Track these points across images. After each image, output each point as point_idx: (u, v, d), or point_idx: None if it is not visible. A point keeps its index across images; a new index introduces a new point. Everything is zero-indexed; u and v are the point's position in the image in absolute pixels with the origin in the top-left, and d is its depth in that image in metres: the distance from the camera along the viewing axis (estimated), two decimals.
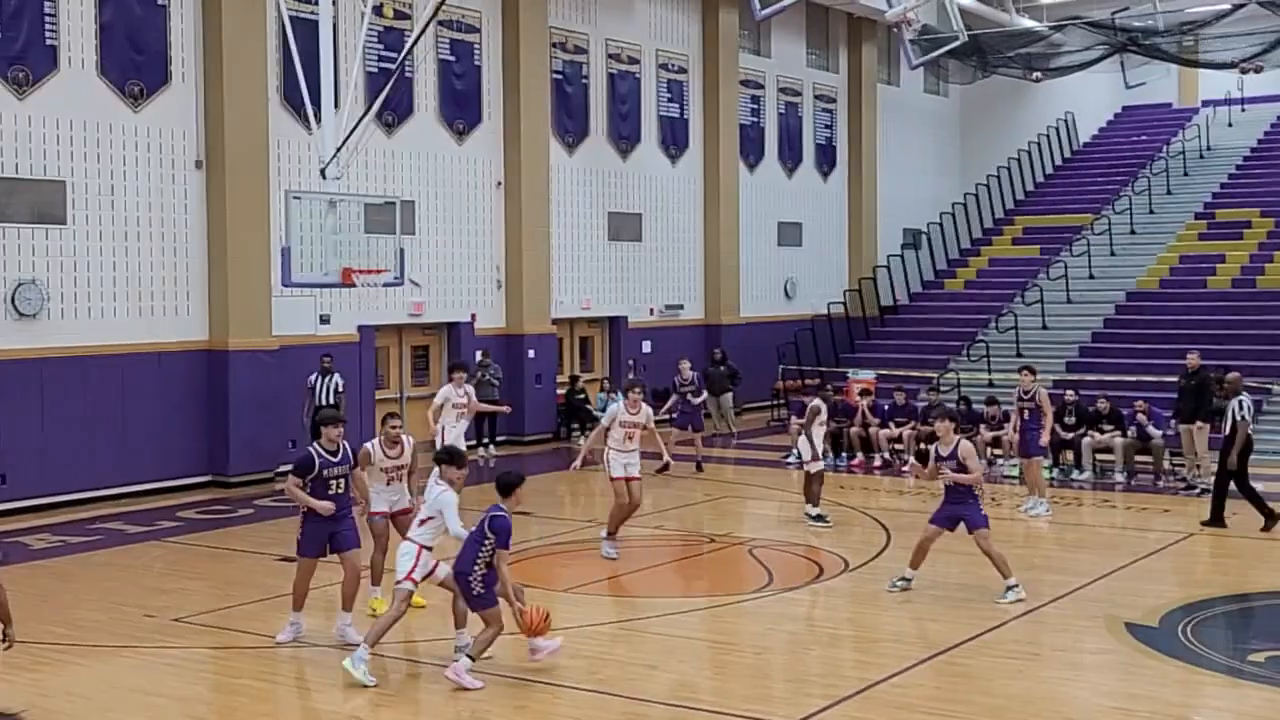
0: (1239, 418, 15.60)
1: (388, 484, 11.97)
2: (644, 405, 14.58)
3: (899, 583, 12.63)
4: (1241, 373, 17.44)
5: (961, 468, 12.38)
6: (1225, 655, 10.57)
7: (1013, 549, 15.03)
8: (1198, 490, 18.28)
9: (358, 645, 10.37)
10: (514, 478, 10.17)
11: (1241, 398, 15.88)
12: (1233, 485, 15.80)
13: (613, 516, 14.33)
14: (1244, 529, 15.86)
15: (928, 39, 28.69)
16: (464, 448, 15.63)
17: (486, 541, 9.86)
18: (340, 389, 19.44)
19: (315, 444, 11.06)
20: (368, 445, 12.12)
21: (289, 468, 11.81)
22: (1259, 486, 16.18)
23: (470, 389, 17.36)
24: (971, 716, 9.05)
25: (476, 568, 9.87)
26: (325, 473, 10.83)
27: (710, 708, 9.29)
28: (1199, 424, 18.61)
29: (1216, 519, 15.85)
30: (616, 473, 14.25)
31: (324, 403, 19.06)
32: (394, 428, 12.08)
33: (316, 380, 19.44)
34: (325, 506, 10.76)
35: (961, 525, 12.46)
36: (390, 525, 12.02)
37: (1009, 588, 12.22)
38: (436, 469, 10.73)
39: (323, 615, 11.46)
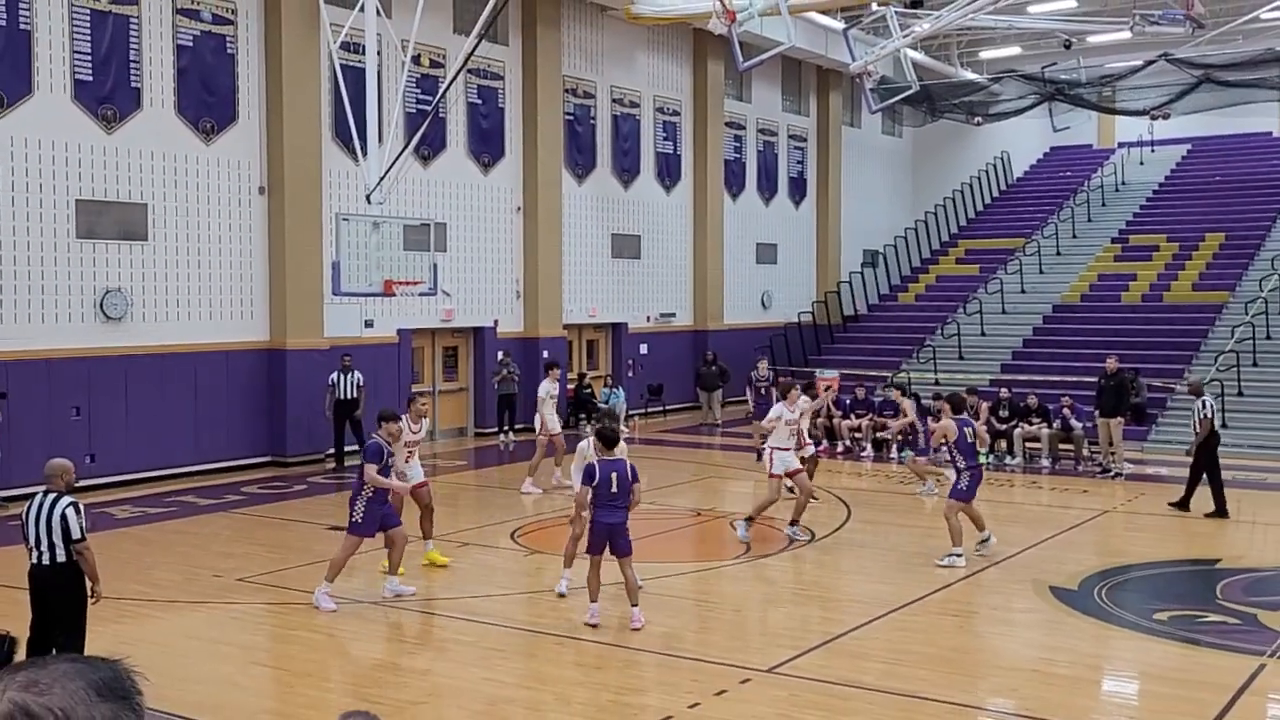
0: (1204, 415, 15.06)
1: (407, 460, 11.98)
2: (800, 402, 13.79)
3: (980, 547, 12.69)
4: (1149, 374, 17.44)
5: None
6: (1134, 614, 10.59)
7: None
8: (1111, 474, 18.30)
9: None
10: (615, 432, 10.38)
11: (1205, 398, 15.38)
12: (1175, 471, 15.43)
13: (761, 506, 13.45)
14: (1153, 507, 15.89)
15: (885, 88, 28.66)
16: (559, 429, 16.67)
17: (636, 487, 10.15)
18: (360, 384, 19.18)
19: (377, 435, 10.99)
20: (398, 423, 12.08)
21: (355, 456, 11.79)
22: (1164, 472, 16.19)
23: (557, 384, 17.48)
24: (918, 665, 9.06)
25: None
26: (389, 460, 10.89)
27: (695, 656, 9.30)
28: (1118, 419, 18.58)
29: (1220, 509, 15.03)
30: (778, 470, 13.31)
31: (345, 397, 19.01)
32: (423, 404, 12.22)
33: (338, 377, 19.16)
34: (403, 486, 10.78)
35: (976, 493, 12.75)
36: (414, 499, 12.08)
37: (949, 554, 12.24)
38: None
39: (363, 577, 11.48)
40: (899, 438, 20.14)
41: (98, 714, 1.61)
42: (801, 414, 13.85)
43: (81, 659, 1.69)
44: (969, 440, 12.71)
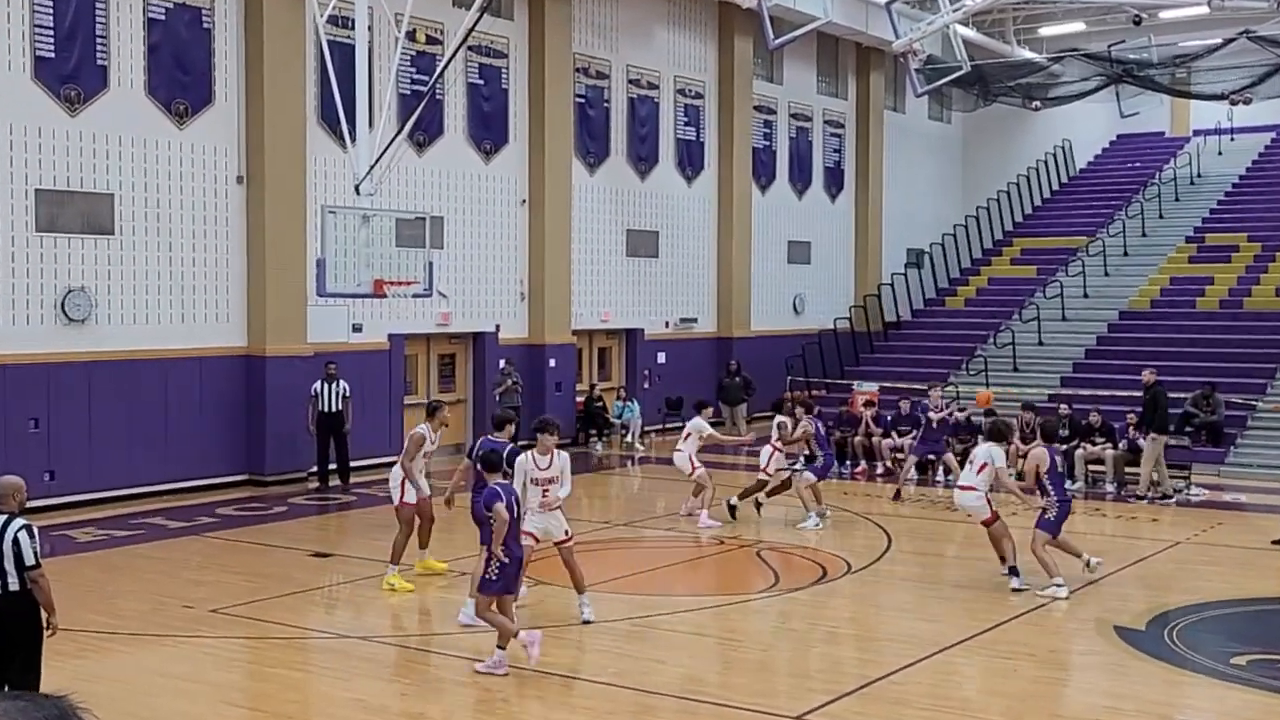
0: None
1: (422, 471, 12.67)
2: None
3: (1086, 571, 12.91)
4: (1227, 389, 17.37)
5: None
6: (1209, 658, 10.53)
7: None
8: (1147, 499, 18.29)
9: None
10: (499, 457, 10.67)
11: None
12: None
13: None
14: (1229, 539, 15.80)
15: (932, 68, 28.67)
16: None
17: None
18: (346, 395, 19.37)
19: (503, 440, 11.80)
20: (420, 429, 12.86)
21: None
22: (1243, 499, 16.10)
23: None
24: (965, 713, 9.04)
25: None
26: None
27: (716, 701, 9.29)
28: (1152, 436, 18.65)
29: None
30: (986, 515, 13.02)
31: (329, 410, 19.21)
32: (447, 414, 12.92)
33: (321, 387, 19.32)
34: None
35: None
36: (417, 512, 12.53)
37: (1050, 584, 12.39)
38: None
39: (348, 610, 11.51)
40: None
41: None
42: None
43: (27, 696, 1.75)
44: (1059, 470, 13.26)
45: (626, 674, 9.92)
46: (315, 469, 19.56)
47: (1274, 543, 15.17)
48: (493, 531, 9.76)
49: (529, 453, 11.39)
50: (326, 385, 19.33)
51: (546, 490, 11.16)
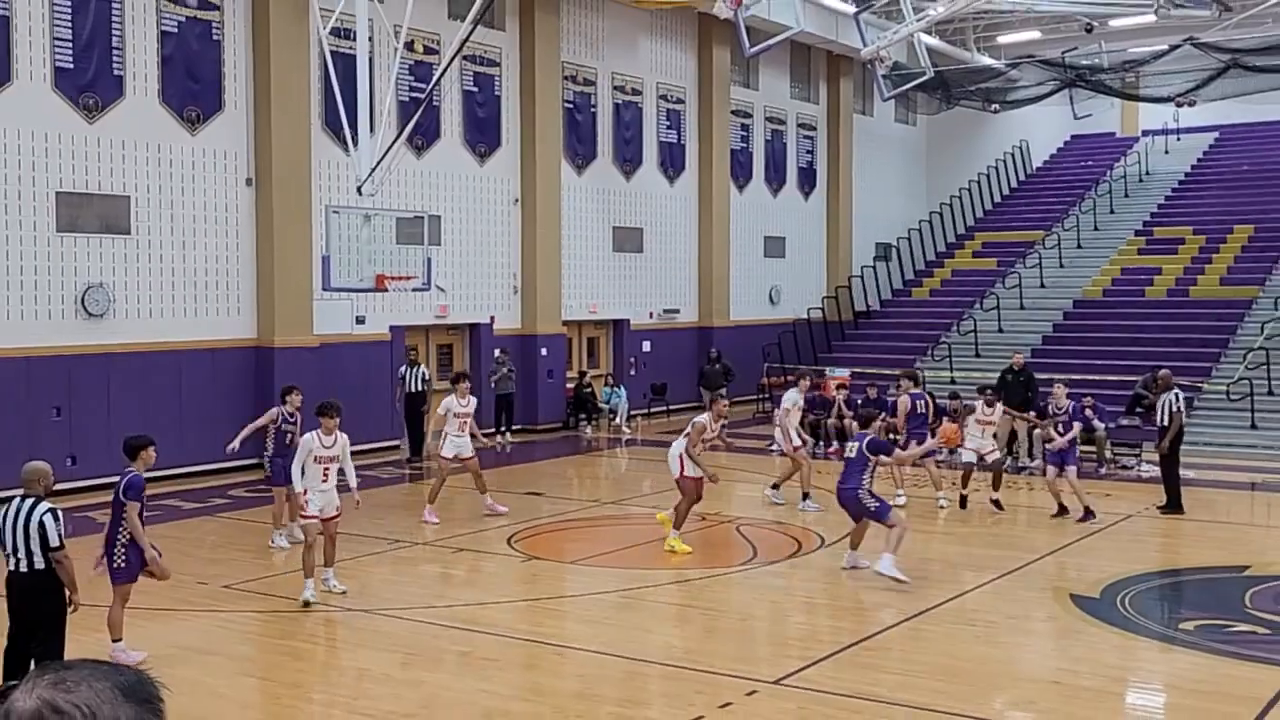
0: (1174, 409, 15.44)
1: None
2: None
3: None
4: (1174, 372, 17.46)
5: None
6: (1159, 624, 10.57)
7: (969, 528, 15.11)
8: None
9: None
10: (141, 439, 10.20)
11: (1175, 392, 15.69)
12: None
13: None
14: (1177, 511, 15.86)
15: (898, 74, 28.62)
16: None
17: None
18: (426, 378, 20.50)
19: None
20: (702, 418, 13.77)
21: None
22: (1190, 474, 16.21)
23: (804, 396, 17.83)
24: (933, 676, 9.05)
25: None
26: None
27: (700, 667, 9.28)
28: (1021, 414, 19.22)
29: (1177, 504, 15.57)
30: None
31: (413, 390, 20.37)
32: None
33: (406, 371, 20.45)
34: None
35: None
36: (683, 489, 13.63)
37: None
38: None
39: (351, 584, 11.48)
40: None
41: (123, 714, 1.73)
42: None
43: (107, 662, 1.82)
44: (919, 410, 16.90)
45: (615, 642, 9.92)
46: (396, 443, 20.84)
47: (1159, 509, 15.48)
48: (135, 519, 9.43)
49: (314, 432, 11.37)
50: (410, 370, 20.38)
51: (327, 469, 11.23)
